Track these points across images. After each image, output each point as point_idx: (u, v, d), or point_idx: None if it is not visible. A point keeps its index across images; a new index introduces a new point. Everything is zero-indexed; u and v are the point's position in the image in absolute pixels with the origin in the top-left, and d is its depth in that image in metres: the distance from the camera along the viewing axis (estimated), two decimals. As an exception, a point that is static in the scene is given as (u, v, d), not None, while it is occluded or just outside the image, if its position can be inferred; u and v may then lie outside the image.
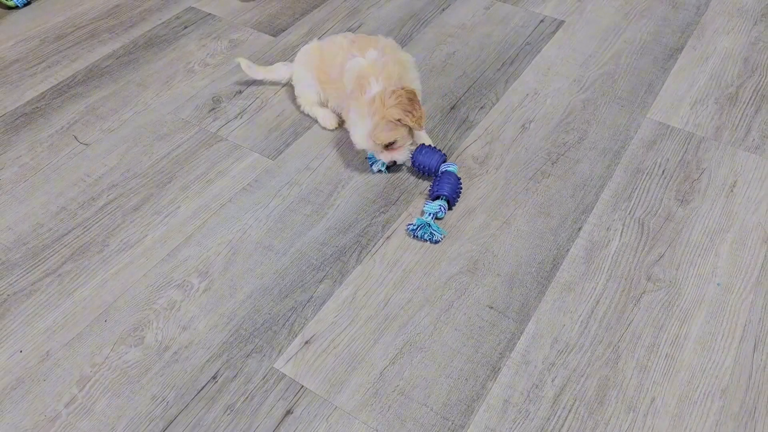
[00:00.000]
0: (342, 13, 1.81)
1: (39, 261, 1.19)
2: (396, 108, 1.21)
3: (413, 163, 1.30)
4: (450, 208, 1.27)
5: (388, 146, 1.27)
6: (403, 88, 1.23)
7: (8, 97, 1.53)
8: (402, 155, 1.30)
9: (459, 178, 1.27)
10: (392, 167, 1.34)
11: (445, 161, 1.29)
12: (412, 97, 1.23)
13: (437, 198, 1.24)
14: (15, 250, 1.21)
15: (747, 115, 1.49)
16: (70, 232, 1.24)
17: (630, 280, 1.16)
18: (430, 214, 1.22)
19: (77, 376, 1.03)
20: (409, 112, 1.22)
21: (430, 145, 1.31)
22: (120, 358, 1.05)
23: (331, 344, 1.07)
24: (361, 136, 1.25)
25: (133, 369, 1.04)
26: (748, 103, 1.52)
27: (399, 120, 1.23)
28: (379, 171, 1.33)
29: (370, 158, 1.33)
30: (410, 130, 1.30)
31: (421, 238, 1.22)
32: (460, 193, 1.28)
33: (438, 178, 1.26)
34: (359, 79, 1.25)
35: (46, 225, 1.25)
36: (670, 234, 1.23)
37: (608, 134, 1.44)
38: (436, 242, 1.22)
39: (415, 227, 1.21)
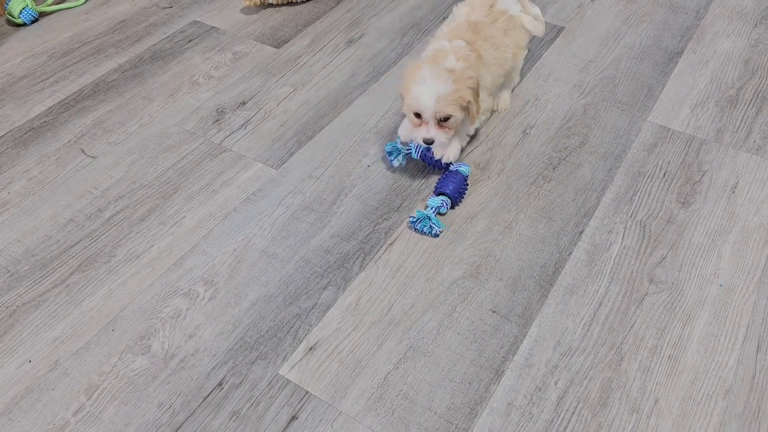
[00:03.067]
0: (344, 24, 1.83)
1: (47, 272, 1.21)
2: (471, 90, 1.21)
3: (425, 157, 1.31)
4: (453, 207, 1.28)
5: (441, 122, 1.23)
6: (477, 77, 1.23)
7: (16, 113, 1.55)
8: (445, 136, 1.25)
9: (466, 179, 1.28)
10: (413, 158, 1.32)
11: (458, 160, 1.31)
12: (478, 90, 1.24)
13: (441, 194, 1.26)
14: (24, 262, 1.23)
15: (748, 116, 1.49)
16: (77, 243, 1.26)
17: (632, 283, 1.16)
18: (432, 208, 1.24)
19: (85, 384, 1.04)
20: (476, 100, 1.24)
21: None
22: (127, 366, 1.06)
23: (335, 350, 1.08)
24: (429, 96, 1.19)
25: (140, 377, 1.05)
26: (748, 105, 1.53)
27: (468, 102, 1.22)
28: (399, 165, 1.32)
29: (389, 153, 1.32)
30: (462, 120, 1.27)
31: (421, 231, 1.24)
32: (465, 193, 1.29)
33: (445, 176, 1.28)
34: (439, 51, 1.26)
35: (54, 237, 1.27)
36: (672, 236, 1.24)
37: (609, 138, 1.45)
38: (435, 236, 1.23)
39: (415, 220, 1.23)
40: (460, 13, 1.39)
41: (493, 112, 1.51)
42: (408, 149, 1.30)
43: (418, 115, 1.23)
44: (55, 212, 1.32)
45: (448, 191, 1.25)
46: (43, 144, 1.47)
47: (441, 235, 1.25)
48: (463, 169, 1.29)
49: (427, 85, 1.19)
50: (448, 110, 1.21)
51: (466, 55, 1.25)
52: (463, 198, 1.30)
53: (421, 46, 1.73)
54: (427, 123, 1.23)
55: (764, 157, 1.39)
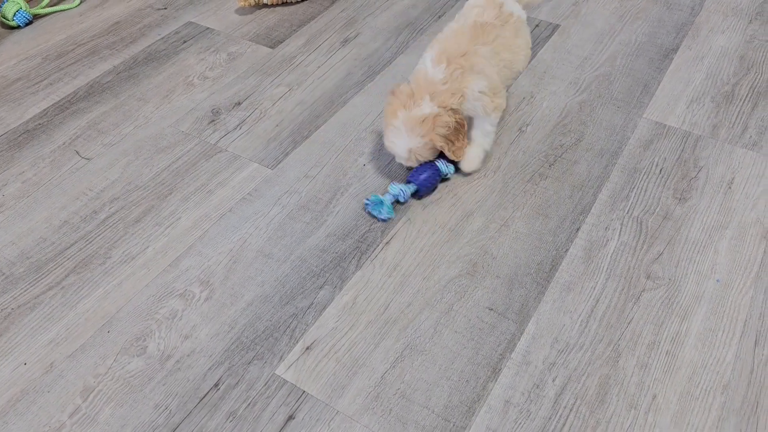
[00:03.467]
0: (339, 24, 1.83)
1: (42, 274, 1.20)
2: (442, 137, 1.24)
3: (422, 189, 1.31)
4: (419, 197, 1.31)
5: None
6: (456, 117, 1.25)
7: (11, 115, 1.55)
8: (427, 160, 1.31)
9: (439, 173, 1.30)
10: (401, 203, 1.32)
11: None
12: (459, 128, 1.26)
13: (409, 183, 1.29)
14: (18, 265, 1.22)
15: (743, 112, 1.49)
16: (72, 245, 1.25)
17: (629, 279, 1.16)
18: (391, 195, 1.26)
19: (81, 386, 1.04)
20: (452, 142, 1.26)
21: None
22: (123, 368, 1.06)
23: (332, 349, 1.07)
24: (401, 149, 1.27)
25: (135, 378, 1.04)
26: (744, 100, 1.53)
27: (441, 146, 1.26)
28: (388, 216, 1.27)
29: (373, 205, 1.27)
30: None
31: (370, 213, 1.28)
32: (434, 187, 1.31)
33: (422, 166, 1.30)
34: (417, 85, 1.26)
35: (49, 239, 1.27)
36: (668, 232, 1.24)
37: (605, 135, 1.44)
38: (382, 221, 1.26)
39: (369, 202, 1.27)
40: (471, 13, 1.36)
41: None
42: (394, 197, 1.27)
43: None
44: (50, 214, 1.31)
45: (416, 182, 1.28)
46: (37, 146, 1.47)
47: (437, 234, 1.24)
48: (441, 165, 1.30)
49: (400, 139, 1.25)
50: (420, 158, 1.29)
51: (442, 91, 1.24)
52: (430, 191, 1.30)
53: (416, 45, 1.73)
54: (406, 160, 1.30)
55: (760, 153, 1.39)
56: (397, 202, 1.29)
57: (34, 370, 1.06)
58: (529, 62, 1.47)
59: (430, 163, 1.30)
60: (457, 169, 1.35)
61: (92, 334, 1.11)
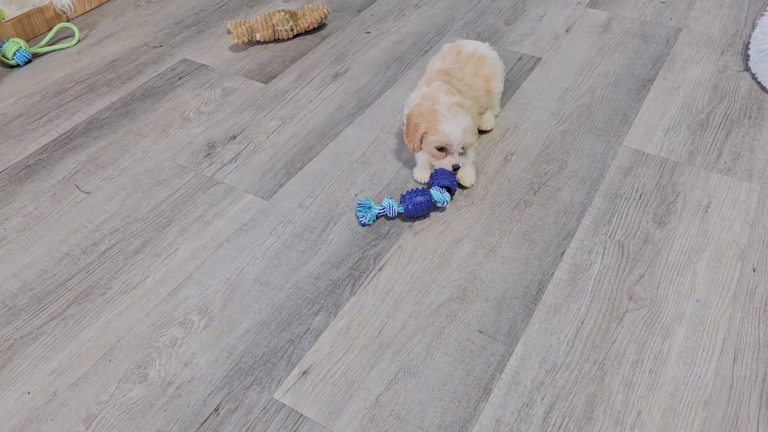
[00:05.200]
0: (329, 59, 1.90)
1: (44, 305, 1.23)
2: (476, 116, 1.42)
3: (408, 210, 1.37)
4: (405, 219, 1.38)
5: (461, 150, 1.39)
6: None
7: (12, 151, 1.59)
8: (466, 161, 1.42)
9: (431, 203, 1.35)
10: (376, 220, 1.39)
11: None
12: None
13: (400, 204, 1.36)
14: (21, 296, 1.25)
15: (718, 139, 1.56)
16: (73, 276, 1.29)
17: (613, 300, 1.21)
18: (381, 207, 1.35)
19: (84, 414, 1.06)
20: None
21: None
22: (125, 395, 1.09)
23: (328, 373, 1.11)
24: (456, 130, 1.34)
25: (137, 405, 1.07)
26: (718, 128, 1.60)
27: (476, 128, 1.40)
28: (367, 222, 1.36)
29: (361, 209, 1.36)
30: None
31: (356, 214, 1.36)
32: (425, 212, 1.36)
33: (418, 191, 1.36)
34: (425, 97, 1.40)
35: (50, 271, 1.30)
36: (649, 255, 1.29)
37: (587, 163, 1.51)
38: (362, 225, 1.36)
39: (361, 204, 1.36)
40: (432, 66, 1.55)
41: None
42: (381, 209, 1.35)
43: (440, 149, 1.37)
44: (51, 247, 1.35)
45: (406, 206, 1.34)
46: (38, 181, 1.51)
47: (428, 260, 1.29)
48: (434, 193, 1.35)
49: (454, 122, 1.34)
50: (469, 139, 1.37)
51: (450, 89, 1.39)
52: (419, 215, 1.36)
53: (404, 79, 1.80)
54: (452, 153, 1.38)
55: (734, 178, 1.46)
56: (385, 216, 1.37)
57: (37, 399, 1.09)
58: (499, 88, 1.58)
59: (424, 191, 1.36)
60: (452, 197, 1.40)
61: (94, 363, 1.14)
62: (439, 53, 1.58)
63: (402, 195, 1.37)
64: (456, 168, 1.39)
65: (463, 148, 1.38)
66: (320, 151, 1.57)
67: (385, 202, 1.35)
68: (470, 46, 1.55)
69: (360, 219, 1.36)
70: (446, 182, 1.36)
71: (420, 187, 1.40)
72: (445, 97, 1.37)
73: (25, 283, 1.28)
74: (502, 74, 1.59)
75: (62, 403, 1.08)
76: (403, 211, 1.35)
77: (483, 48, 1.56)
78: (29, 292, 1.26)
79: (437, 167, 1.40)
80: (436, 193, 1.35)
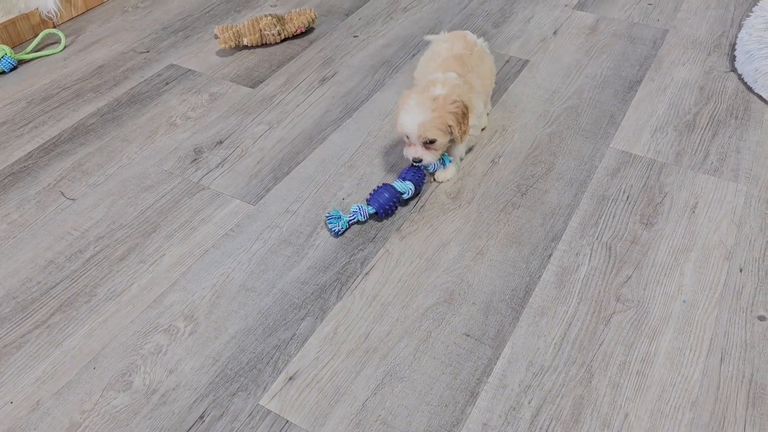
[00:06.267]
0: (317, 63, 1.89)
1: (28, 314, 1.22)
2: (452, 114, 1.33)
3: (381, 212, 1.37)
4: (378, 219, 1.38)
5: (426, 144, 1.36)
6: (462, 102, 1.36)
7: (-4, 158, 1.58)
8: (430, 157, 1.38)
9: (398, 194, 1.36)
10: (356, 223, 1.39)
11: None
12: (465, 113, 1.36)
13: (369, 205, 1.36)
14: (4, 305, 1.24)
15: (705, 140, 1.57)
16: (58, 284, 1.28)
17: (600, 302, 1.21)
18: (352, 213, 1.35)
19: (67, 423, 1.05)
20: (460, 123, 1.35)
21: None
22: (109, 403, 1.08)
23: (314, 379, 1.10)
24: (412, 123, 1.33)
25: (121, 414, 1.06)
26: (705, 128, 1.60)
27: (450, 126, 1.34)
28: (340, 230, 1.34)
29: (330, 219, 1.35)
30: (450, 141, 1.40)
31: (327, 226, 1.35)
32: (394, 209, 1.37)
33: (383, 187, 1.36)
34: (431, 81, 1.39)
35: (34, 279, 1.29)
36: (636, 256, 1.29)
37: (574, 165, 1.51)
38: (334, 234, 1.35)
39: (330, 216, 1.34)
40: (440, 48, 1.51)
41: (483, 129, 1.61)
42: (351, 217, 1.35)
43: (409, 138, 1.37)
44: (36, 254, 1.34)
45: (375, 204, 1.35)
46: (23, 188, 1.50)
47: (415, 264, 1.28)
48: (397, 184, 1.36)
49: (412, 114, 1.33)
50: (429, 135, 1.34)
51: (455, 84, 1.37)
52: (390, 214, 1.37)
53: (392, 83, 1.79)
54: (413, 145, 1.37)
55: (721, 178, 1.46)
56: (357, 222, 1.37)
57: (20, 408, 1.08)
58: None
59: (387, 185, 1.37)
60: (416, 194, 1.41)
61: (78, 371, 1.13)
62: (441, 37, 1.57)
63: (368, 197, 1.37)
64: (417, 161, 1.37)
65: (429, 142, 1.35)
66: (307, 155, 1.57)
67: (354, 207, 1.35)
68: (470, 35, 1.56)
69: (333, 230, 1.33)
70: (410, 177, 1.38)
71: (383, 182, 1.40)
72: (439, 89, 1.35)
73: (9, 291, 1.27)
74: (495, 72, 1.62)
75: (45, 413, 1.07)
76: (374, 212, 1.36)
77: (480, 41, 1.57)
78: (13, 300, 1.25)
79: (405, 155, 1.41)
80: (399, 184, 1.37)
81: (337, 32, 2.04)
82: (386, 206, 1.35)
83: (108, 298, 1.25)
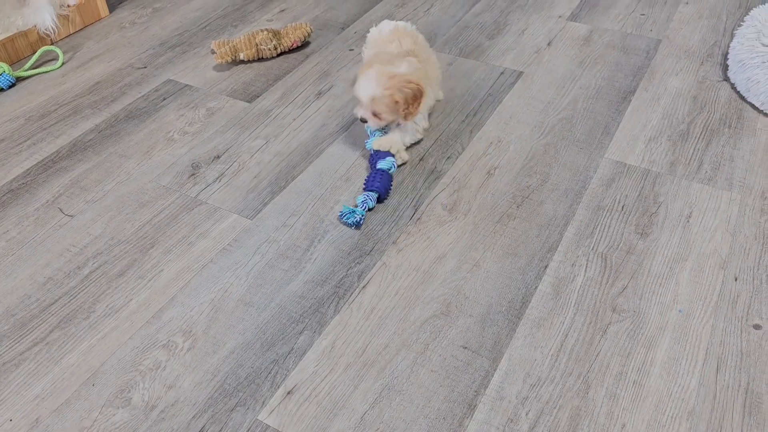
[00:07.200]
0: (313, 77, 1.91)
1: (27, 331, 1.23)
2: (402, 95, 1.44)
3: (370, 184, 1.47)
4: (381, 201, 1.46)
5: (374, 113, 1.49)
6: (418, 85, 1.46)
7: (-5, 175, 1.59)
8: (374, 124, 1.52)
9: (390, 175, 1.47)
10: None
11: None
12: (417, 96, 1.47)
13: (370, 191, 1.44)
14: (3, 322, 1.25)
15: (698, 149, 1.58)
16: (56, 301, 1.28)
17: (596, 313, 1.21)
18: (362, 203, 1.42)
19: (66, 440, 1.06)
20: (408, 104, 1.46)
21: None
22: (108, 420, 1.08)
23: (312, 393, 1.11)
24: (365, 94, 1.46)
25: (121, 430, 1.07)
26: (698, 138, 1.61)
27: (397, 102, 1.45)
28: (361, 219, 1.41)
29: (346, 217, 1.40)
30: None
31: (346, 222, 1.40)
32: (390, 187, 1.47)
33: (373, 174, 1.46)
34: (394, 56, 1.50)
35: (33, 296, 1.29)
36: (631, 266, 1.30)
37: (569, 175, 1.52)
38: (356, 227, 1.40)
39: (343, 214, 1.40)
40: (390, 47, 1.60)
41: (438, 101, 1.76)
42: (363, 206, 1.42)
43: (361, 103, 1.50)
44: (34, 271, 1.35)
45: (375, 188, 1.43)
46: (21, 205, 1.51)
47: (412, 276, 1.29)
48: (385, 165, 1.47)
49: (368, 84, 1.46)
50: (377, 108, 1.48)
51: (417, 68, 1.49)
52: (389, 192, 1.47)
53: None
54: (362, 106, 1.51)
55: (715, 187, 1.47)
56: (369, 209, 1.44)
57: (20, 426, 1.08)
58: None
59: (377, 170, 1.47)
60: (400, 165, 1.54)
61: (77, 388, 1.13)
62: (384, 32, 1.66)
63: (364, 185, 1.46)
64: (363, 121, 1.52)
65: (375, 114, 1.48)
66: (304, 169, 1.58)
67: (360, 197, 1.43)
68: (410, 27, 1.68)
69: (354, 223, 1.39)
70: (374, 187, 1.44)
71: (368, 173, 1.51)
72: (404, 66, 1.46)
73: (8, 308, 1.27)
74: None
75: (45, 430, 1.07)
76: (378, 195, 1.44)
77: (409, 26, 1.69)
78: (12, 317, 1.25)
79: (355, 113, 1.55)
80: (383, 163, 1.48)
81: (333, 46, 2.06)
82: (387, 186, 1.45)
83: (106, 314, 1.25)
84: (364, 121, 1.52)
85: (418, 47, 1.60)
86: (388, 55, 1.51)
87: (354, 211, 1.39)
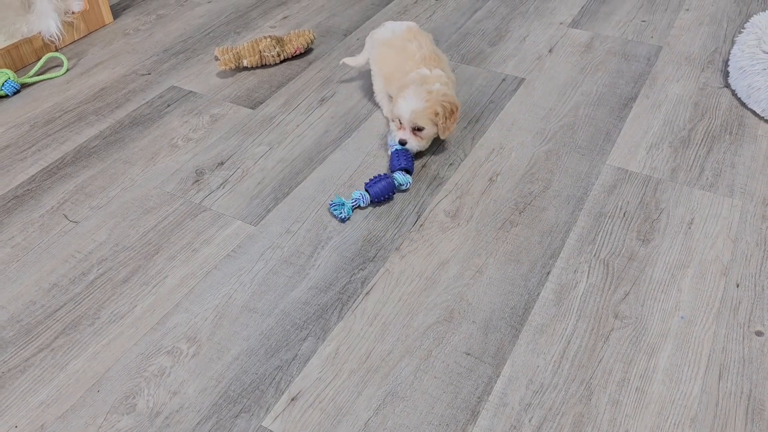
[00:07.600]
0: (316, 84, 1.92)
1: (32, 337, 1.24)
2: (441, 108, 1.50)
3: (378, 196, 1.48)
4: (373, 205, 1.49)
5: (415, 130, 1.53)
6: (454, 102, 1.54)
7: (0, 182, 1.60)
8: (416, 144, 1.55)
9: (394, 186, 1.47)
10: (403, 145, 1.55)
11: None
12: (455, 111, 1.53)
13: (366, 191, 1.47)
14: (9, 328, 1.25)
15: (700, 156, 1.59)
16: (62, 307, 1.29)
17: (598, 319, 1.22)
18: (353, 200, 1.45)
19: (72, 446, 1.06)
20: (447, 119, 1.52)
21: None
22: (113, 426, 1.09)
23: (316, 399, 1.11)
24: (406, 108, 1.50)
25: (126, 436, 1.07)
26: (700, 144, 1.62)
27: (437, 116, 1.51)
28: (347, 216, 1.44)
29: (335, 206, 1.44)
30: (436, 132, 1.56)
31: (332, 213, 1.45)
32: (389, 197, 1.49)
33: (379, 177, 1.47)
34: (424, 77, 1.56)
35: (38, 302, 1.30)
36: (633, 273, 1.30)
37: (571, 182, 1.52)
38: (341, 220, 1.44)
39: (333, 203, 1.44)
40: (409, 46, 1.66)
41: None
42: (354, 202, 1.46)
43: (401, 122, 1.54)
44: (40, 278, 1.35)
45: (372, 190, 1.45)
46: (26, 211, 1.51)
47: (415, 282, 1.30)
48: (398, 176, 1.49)
49: (407, 100, 1.51)
50: (419, 122, 1.51)
51: (446, 83, 1.56)
52: (384, 200, 1.48)
53: (390, 102, 1.81)
54: (405, 129, 1.54)
55: (717, 194, 1.47)
56: (359, 207, 1.46)
57: (25, 432, 1.09)
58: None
59: (386, 175, 1.47)
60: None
61: (82, 395, 1.14)
62: (398, 32, 1.70)
63: (366, 183, 1.47)
64: (402, 143, 1.54)
65: (417, 129, 1.52)
66: (308, 175, 1.59)
67: (356, 194, 1.45)
68: (412, 24, 1.74)
69: (338, 216, 1.43)
70: (404, 164, 1.50)
71: (381, 173, 1.51)
72: (437, 86, 1.52)
73: (13, 314, 1.28)
74: None
75: (50, 436, 1.08)
76: (372, 198, 1.46)
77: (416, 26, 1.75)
78: (17, 323, 1.26)
79: (393, 141, 1.56)
80: (400, 176, 1.49)
81: (336, 52, 2.07)
82: (381, 195, 1.45)
83: (111, 320, 1.26)
84: (403, 143, 1.54)
85: (436, 51, 1.68)
86: (421, 77, 1.56)
87: (343, 204, 1.43)
